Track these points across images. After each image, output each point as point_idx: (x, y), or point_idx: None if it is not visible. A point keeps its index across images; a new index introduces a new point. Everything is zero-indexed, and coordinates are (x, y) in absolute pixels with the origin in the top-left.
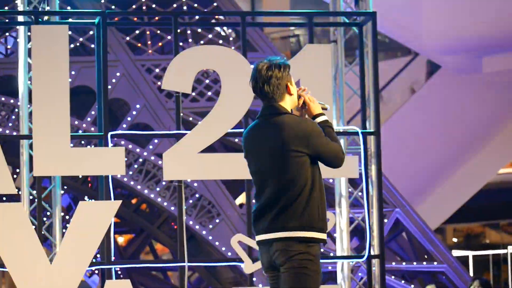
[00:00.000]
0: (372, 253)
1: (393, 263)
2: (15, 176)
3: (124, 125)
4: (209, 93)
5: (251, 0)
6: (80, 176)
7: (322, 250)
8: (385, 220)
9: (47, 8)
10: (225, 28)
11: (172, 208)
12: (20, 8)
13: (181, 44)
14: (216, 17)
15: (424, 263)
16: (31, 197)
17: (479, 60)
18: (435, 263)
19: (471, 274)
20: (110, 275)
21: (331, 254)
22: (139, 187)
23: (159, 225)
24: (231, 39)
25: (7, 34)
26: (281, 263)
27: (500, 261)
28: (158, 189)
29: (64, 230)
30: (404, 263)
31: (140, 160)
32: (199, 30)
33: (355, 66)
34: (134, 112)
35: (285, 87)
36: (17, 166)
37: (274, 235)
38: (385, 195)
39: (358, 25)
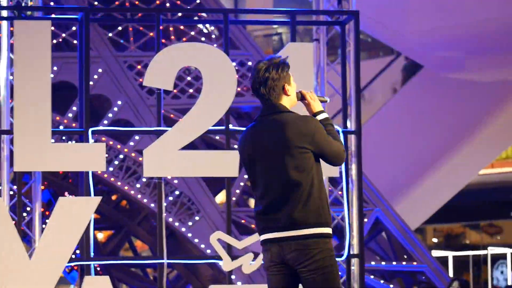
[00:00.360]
0: (351, 252)
1: (373, 263)
2: None
3: (105, 121)
4: (191, 90)
5: None
6: (61, 172)
7: None
8: (365, 220)
9: (30, 3)
10: (207, 25)
11: (152, 205)
12: (3, 3)
13: (163, 41)
14: (199, 14)
15: (404, 263)
16: (11, 193)
17: (461, 60)
18: (415, 263)
19: (451, 274)
20: (89, 271)
21: None
22: (119, 183)
23: (139, 222)
24: (213, 36)
25: None
26: (302, 262)
27: (480, 261)
28: (138, 185)
29: (44, 226)
30: (383, 263)
31: (121, 156)
32: (182, 27)
33: (337, 65)
34: (116, 109)
35: (281, 88)
36: None
37: (288, 233)
38: (365, 194)
39: (340, 24)
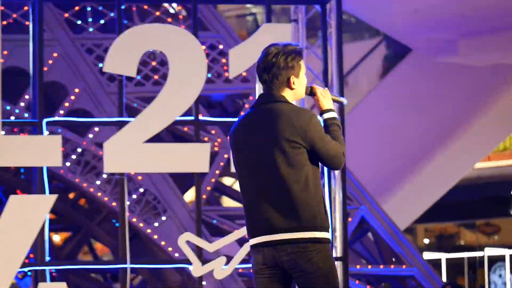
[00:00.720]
0: (334, 255)
1: (358, 267)
2: None
3: (61, 111)
4: (156, 77)
5: None
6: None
7: None
8: (349, 219)
9: None
10: (174, 5)
11: (114, 203)
12: None
13: (125, 22)
14: None
15: (392, 266)
16: None
17: (454, 43)
18: (404, 266)
19: (444, 278)
20: (44, 277)
21: None
22: (77, 180)
23: (99, 222)
24: (181, 17)
25: None
26: (298, 266)
27: (475, 264)
28: (98, 182)
29: None
30: (369, 267)
31: (79, 150)
32: (146, 6)
33: (318, 48)
34: (73, 97)
35: (286, 79)
36: None
37: (281, 236)
38: (349, 191)
39: (321, 3)
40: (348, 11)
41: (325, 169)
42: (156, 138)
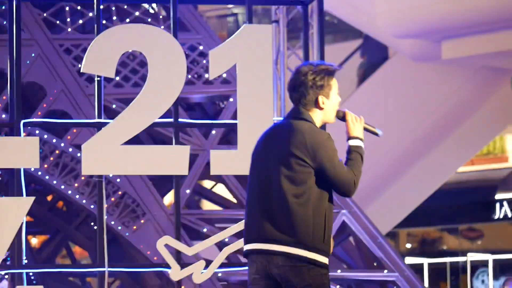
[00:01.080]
0: None
1: (338, 271)
2: None
3: (39, 113)
4: (135, 78)
5: None
6: None
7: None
8: None
9: None
10: (154, 5)
11: (92, 206)
12: None
13: (104, 22)
14: None
15: (374, 271)
16: None
17: (438, 45)
18: (386, 271)
19: (426, 284)
20: (21, 280)
21: None
22: (55, 182)
23: (77, 226)
24: (160, 17)
25: None
26: (289, 280)
27: (458, 269)
28: (76, 184)
29: None
30: (350, 272)
31: (57, 152)
32: (125, 6)
33: (299, 49)
34: (51, 98)
35: (314, 99)
36: None
37: (272, 246)
38: None
39: (302, 4)
40: (330, 12)
41: None
42: (135, 140)
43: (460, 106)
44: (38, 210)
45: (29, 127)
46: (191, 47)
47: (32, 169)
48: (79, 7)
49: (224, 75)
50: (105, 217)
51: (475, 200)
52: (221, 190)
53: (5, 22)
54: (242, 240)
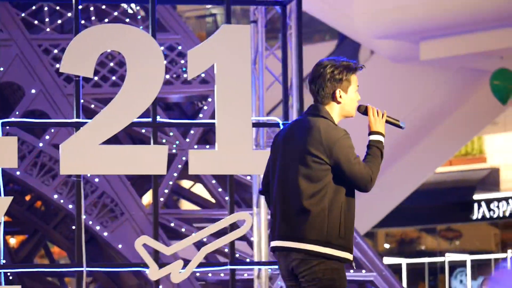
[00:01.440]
0: None
1: None
2: None
3: (17, 112)
4: (114, 78)
5: None
6: None
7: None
8: None
9: None
10: (133, 5)
11: (70, 206)
12: None
13: (82, 22)
14: None
15: (351, 271)
16: None
17: (416, 46)
18: (363, 271)
19: (404, 284)
20: None
21: (247, 260)
22: (33, 182)
23: (55, 225)
24: (139, 17)
25: None
26: (301, 273)
27: (436, 270)
28: (54, 184)
29: None
30: None
31: (35, 151)
32: (104, 6)
33: (277, 49)
34: (29, 98)
35: (331, 93)
36: None
37: (288, 244)
38: None
39: (281, 4)
40: (308, 12)
41: None
42: (113, 140)
43: (438, 107)
44: (16, 210)
45: (7, 127)
46: (169, 47)
47: (10, 169)
48: (57, 7)
49: (203, 75)
50: (83, 216)
51: (453, 201)
52: (199, 190)
53: None
54: (219, 240)
